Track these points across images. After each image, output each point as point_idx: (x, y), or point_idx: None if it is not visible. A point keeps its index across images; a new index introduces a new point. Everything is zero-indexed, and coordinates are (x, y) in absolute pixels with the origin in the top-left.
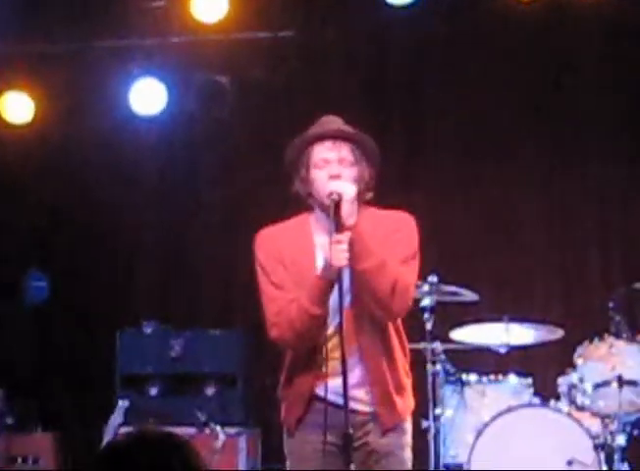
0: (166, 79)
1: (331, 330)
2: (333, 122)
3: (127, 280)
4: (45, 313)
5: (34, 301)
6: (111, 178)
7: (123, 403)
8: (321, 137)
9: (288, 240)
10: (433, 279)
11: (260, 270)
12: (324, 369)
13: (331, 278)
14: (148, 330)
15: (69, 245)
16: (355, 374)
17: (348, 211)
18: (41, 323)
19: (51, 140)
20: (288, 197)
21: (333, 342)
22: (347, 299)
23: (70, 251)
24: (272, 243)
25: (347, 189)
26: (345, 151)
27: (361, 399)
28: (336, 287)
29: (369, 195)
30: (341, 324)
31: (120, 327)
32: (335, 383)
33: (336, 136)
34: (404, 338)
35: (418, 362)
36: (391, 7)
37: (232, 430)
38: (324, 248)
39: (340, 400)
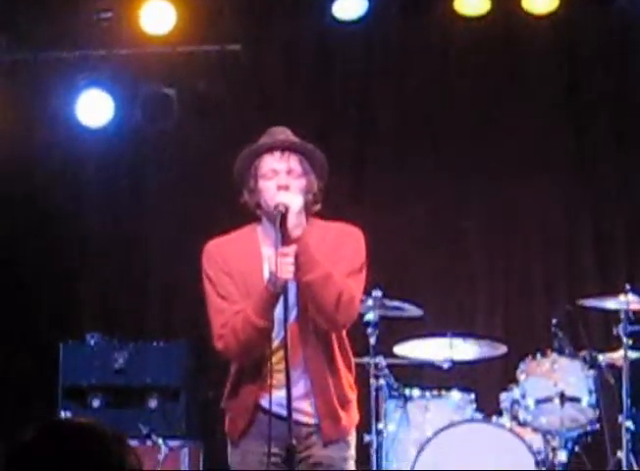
0: (113, 91)
1: (276, 342)
2: (282, 132)
3: (70, 291)
4: None
5: None
6: (56, 189)
7: (65, 415)
8: (270, 148)
9: (235, 252)
10: (377, 293)
11: (207, 281)
12: (269, 381)
13: (276, 290)
14: (92, 341)
15: (11, 255)
16: (300, 386)
17: (295, 223)
18: None
19: None
20: (233, 210)
21: (278, 355)
22: (293, 313)
23: (13, 261)
24: (219, 255)
25: (294, 201)
26: (293, 162)
27: (305, 411)
28: (281, 300)
29: (317, 207)
30: (286, 337)
31: (63, 339)
32: (279, 394)
33: (284, 147)
34: (349, 352)
35: (362, 376)
36: (338, 22)
37: (174, 442)
38: (270, 260)
39: (284, 412)
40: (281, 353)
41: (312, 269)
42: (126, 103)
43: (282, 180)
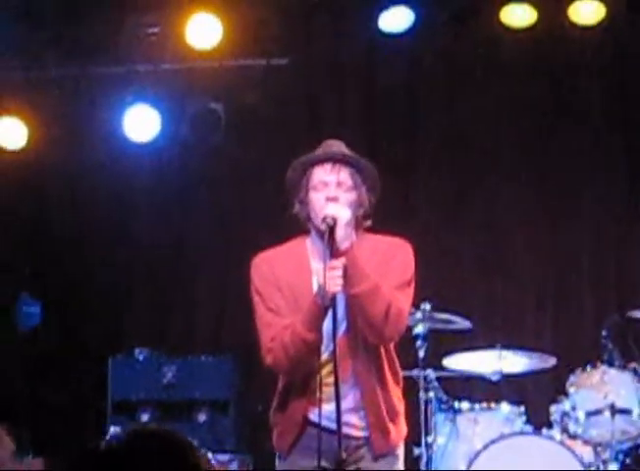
0: (159, 106)
1: (325, 356)
2: (335, 145)
3: (119, 306)
4: (37, 339)
5: (26, 327)
6: (105, 204)
7: (114, 430)
8: (321, 160)
9: (284, 265)
10: (426, 306)
11: (256, 295)
12: (318, 394)
13: (325, 304)
14: (140, 356)
15: (62, 270)
16: (349, 399)
17: (343, 235)
18: (33, 349)
19: (44, 167)
20: (281, 223)
21: (327, 368)
22: (343, 326)
23: (63, 277)
24: (268, 268)
25: (342, 214)
26: (344, 175)
27: (355, 425)
28: (330, 314)
29: (368, 222)
30: (335, 350)
31: (112, 353)
32: (328, 408)
33: (336, 160)
34: (397, 365)
35: (411, 389)
36: (384, 34)
37: (223, 457)
38: (319, 274)
39: (333, 426)
40: (330, 367)
41: (361, 281)
42: (173, 118)
43: (331, 192)
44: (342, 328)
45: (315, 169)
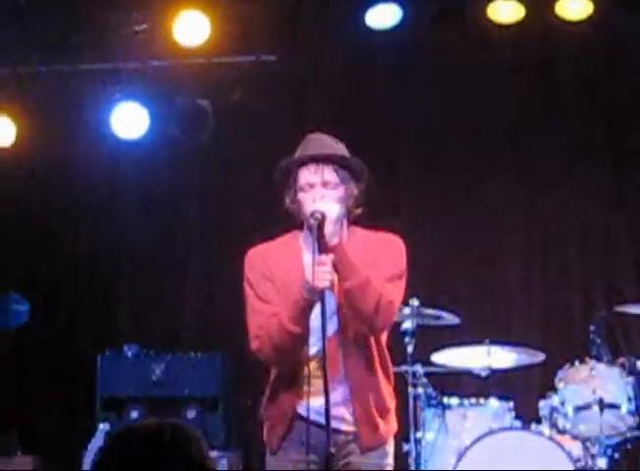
0: (148, 103)
1: (314, 350)
2: (316, 142)
3: (108, 303)
4: (26, 336)
5: (15, 325)
6: (92, 201)
7: (103, 427)
8: (304, 162)
9: (277, 259)
10: (414, 302)
11: (248, 286)
12: (306, 388)
13: (312, 298)
14: (129, 353)
15: (50, 268)
16: (338, 393)
17: (332, 231)
18: (22, 346)
19: (33, 163)
20: (270, 220)
21: (316, 363)
22: (333, 321)
23: (51, 274)
24: (262, 261)
25: (330, 210)
26: (328, 174)
27: (344, 418)
28: (319, 309)
29: (358, 211)
30: (324, 345)
31: (101, 350)
32: (318, 402)
33: (319, 160)
34: (389, 361)
35: (400, 385)
36: (372, 31)
37: (213, 453)
38: (308, 268)
39: (322, 420)
40: (319, 361)
41: (351, 275)
42: (161, 115)
43: (317, 192)
44: (332, 324)
45: (300, 170)
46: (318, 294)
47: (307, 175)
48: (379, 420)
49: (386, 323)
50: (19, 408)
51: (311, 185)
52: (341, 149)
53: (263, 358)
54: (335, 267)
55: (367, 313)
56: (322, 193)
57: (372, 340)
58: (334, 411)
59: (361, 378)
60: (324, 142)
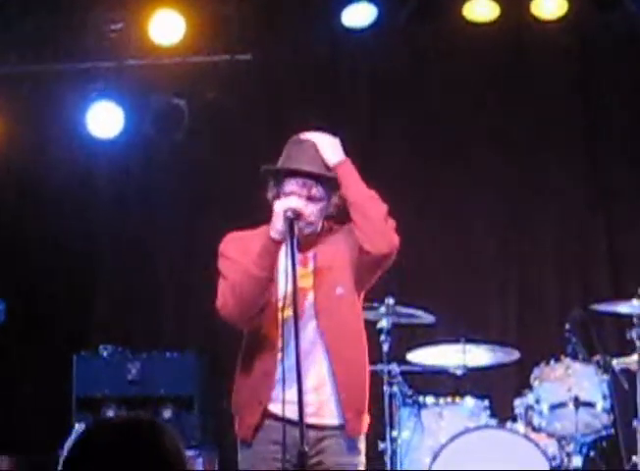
0: (123, 102)
1: (287, 314)
2: (303, 154)
3: (83, 303)
4: (1, 336)
5: None
6: (67, 201)
7: (79, 427)
8: (293, 174)
9: (255, 245)
10: (389, 301)
11: (223, 258)
12: (280, 355)
13: (278, 237)
14: (105, 353)
15: (27, 267)
16: (313, 374)
17: (304, 226)
18: None
19: (7, 163)
20: (246, 218)
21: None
22: (313, 323)
23: (26, 274)
24: (241, 241)
25: (304, 208)
26: (314, 190)
27: (316, 406)
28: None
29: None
30: (297, 342)
31: (76, 350)
32: (290, 393)
33: (305, 175)
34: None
35: (375, 384)
36: (347, 30)
37: (189, 452)
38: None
39: (295, 417)
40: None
41: (358, 185)
42: (136, 114)
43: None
44: (311, 325)
45: (287, 178)
46: (282, 233)
47: (295, 186)
48: (365, 404)
49: (393, 239)
50: None
51: (298, 195)
52: (320, 158)
53: (227, 316)
54: (342, 181)
55: (377, 219)
56: (306, 204)
57: (353, 301)
58: (307, 397)
59: (344, 351)
60: (309, 153)
